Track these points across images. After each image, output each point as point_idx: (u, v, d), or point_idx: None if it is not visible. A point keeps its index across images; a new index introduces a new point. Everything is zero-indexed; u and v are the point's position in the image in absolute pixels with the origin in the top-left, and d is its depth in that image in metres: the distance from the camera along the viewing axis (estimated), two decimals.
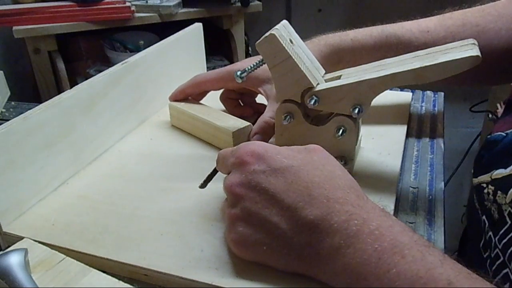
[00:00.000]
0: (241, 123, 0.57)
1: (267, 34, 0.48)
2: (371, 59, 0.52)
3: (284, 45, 0.47)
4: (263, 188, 0.37)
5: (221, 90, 0.65)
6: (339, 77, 0.50)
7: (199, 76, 0.63)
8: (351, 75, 0.49)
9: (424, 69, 0.45)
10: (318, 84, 0.49)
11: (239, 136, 0.55)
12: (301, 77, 0.48)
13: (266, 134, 0.54)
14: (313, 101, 0.48)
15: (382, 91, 0.47)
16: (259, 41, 0.49)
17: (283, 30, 0.49)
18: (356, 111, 0.48)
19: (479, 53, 0.43)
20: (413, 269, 0.31)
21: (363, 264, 0.33)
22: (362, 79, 0.47)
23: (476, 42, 0.46)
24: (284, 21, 0.51)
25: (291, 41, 0.49)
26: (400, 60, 0.49)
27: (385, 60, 0.50)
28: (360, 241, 0.33)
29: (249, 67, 0.53)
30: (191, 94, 0.64)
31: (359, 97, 0.48)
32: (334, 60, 0.58)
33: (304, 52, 0.51)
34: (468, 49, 0.45)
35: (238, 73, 0.53)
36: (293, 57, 0.48)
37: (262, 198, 0.37)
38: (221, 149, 0.57)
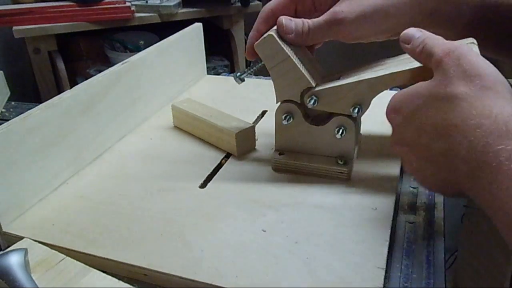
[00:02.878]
0: (244, 124, 0.57)
1: (265, 35, 0.48)
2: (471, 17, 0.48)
3: (282, 45, 0.48)
4: (406, 139, 0.40)
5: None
6: (338, 77, 0.50)
7: (266, 6, 0.53)
8: (350, 75, 0.49)
9: (424, 69, 0.45)
10: (317, 84, 0.49)
11: (242, 138, 0.55)
12: (300, 77, 0.49)
13: (267, 23, 0.51)
14: (312, 101, 0.48)
15: (382, 91, 0.47)
16: (258, 42, 0.49)
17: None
18: (356, 110, 0.48)
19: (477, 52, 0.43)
20: None
21: (488, 193, 0.33)
22: (361, 78, 0.47)
23: (475, 42, 0.46)
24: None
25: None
26: (400, 60, 0.49)
27: (385, 60, 0.51)
28: (482, 171, 0.34)
29: (247, 69, 0.53)
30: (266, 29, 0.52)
31: (359, 96, 0.48)
32: (426, 9, 0.48)
33: (303, 52, 0.51)
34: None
35: (238, 74, 0.53)
36: (292, 57, 0.48)
37: (411, 148, 0.40)
38: (223, 151, 0.57)
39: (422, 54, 0.41)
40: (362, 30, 0.48)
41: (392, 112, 0.42)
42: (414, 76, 0.45)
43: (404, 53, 0.49)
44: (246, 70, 0.54)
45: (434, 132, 0.37)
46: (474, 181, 0.35)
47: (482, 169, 0.33)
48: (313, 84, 0.49)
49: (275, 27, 0.49)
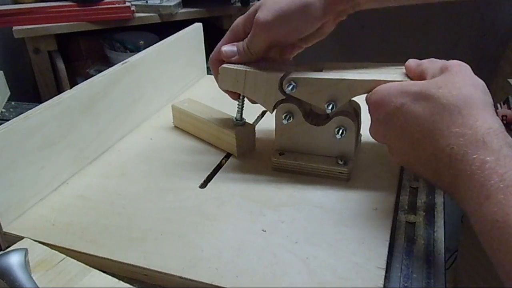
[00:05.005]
0: (244, 124, 0.57)
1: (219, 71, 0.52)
2: None
3: (236, 67, 0.51)
4: (388, 134, 0.42)
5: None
6: (321, 69, 0.51)
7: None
8: (333, 70, 0.50)
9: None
10: (288, 72, 0.50)
11: (242, 138, 0.55)
12: (268, 78, 0.50)
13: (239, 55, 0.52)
14: (291, 86, 0.49)
15: (359, 94, 0.48)
16: (219, 84, 0.53)
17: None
18: (330, 107, 0.49)
19: None
20: (492, 213, 0.32)
21: (463, 199, 0.35)
22: (343, 77, 0.47)
23: None
24: None
25: None
26: (382, 68, 0.50)
27: (368, 63, 0.51)
28: (459, 178, 0.35)
29: (238, 109, 0.55)
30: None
31: (336, 94, 0.48)
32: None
33: (263, 61, 0.53)
34: None
35: (236, 120, 0.56)
36: (250, 69, 0.51)
37: (393, 142, 0.43)
38: (223, 151, 0.57)
39: (428, 65, 0.43)
40: (285, 28, 0.48)
41: (374, 106, 0.43)
42: None
43: (394, 63, 0.50)
44: (238, 110, 0.56)
45: (419, 132, 0.39)
46: (453, 187, 0.37)
47: (459, 177, 0.35)
48: (281, 74, 0.50)
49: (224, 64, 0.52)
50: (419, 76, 0.44)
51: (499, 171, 0.33)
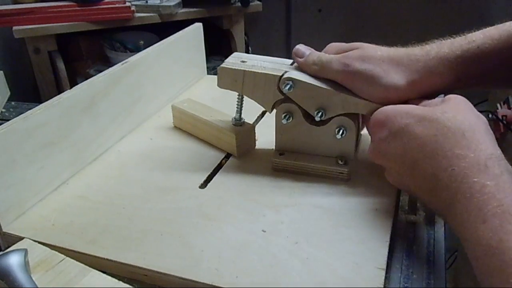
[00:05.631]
0: (244, 124, 0.56)
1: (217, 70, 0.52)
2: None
3: (235, 67, 0.51)
4: (388, 154, 0.42)
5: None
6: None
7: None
8: (330, 80, 0.50)
9: None
10: (286, 71, 0.50)
11: (242, 138, 0.55)
12: (267, 78, 0.50)
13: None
14: (288, 86, 0.49)
15: (351, 111, 0.49)
16: (217, 83, 0.53)
17: (231, 60, 0.53)
18: (319, 114, 0.49)
19: None
20: (488, 238, 0.32)
21: (459, 222, 0.35)
22: (339, 91, 0.48)
23: None
24: (234, 53, 0.55)
25: (242, 61, 0.53)
26: None
27: None
28: (457, 200, 0.35)
29: (237, 109, 0.56)
30: None
31: (328, 104, 0.49)
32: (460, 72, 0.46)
33: (262, 60, 0.53)
34: None
35: (235, 119, 0.56)
36: (248, 69, 0.51)
37: (392, 163, 0.42)
38: (223, 151, 0.57)
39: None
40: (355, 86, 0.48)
41: (377, 124, 0.43)
42: None
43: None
44: (237, 110, 0.56)
45: (420, 152, 0.39)
46: (450, 209, 0.36)
47: (457, 199, 0.35)
48: (280, 74, 0.50)
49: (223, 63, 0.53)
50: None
51: (498, 196, 0.33)
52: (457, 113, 0.39)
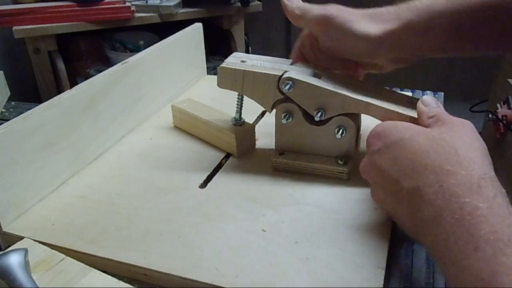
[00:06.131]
0: (244, 124, 0.57)
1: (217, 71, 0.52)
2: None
3: (235, 67, 0.51)
4: (377, 167, 0.40)
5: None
6: (319, 76, 0.51)
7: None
8: (330, 79, 0.51)
9: (396, 113, 0.47)
10: (286, 71, 0.50)
11: (242, 138, 0.55)
12: (267, 78, 0.50)
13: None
14: (288, 86, 0.49)
15: (351, 112, 0.49)
16: (217, 83, 0.53)
17: (231, 59, 0.53)
18: (319, 115, 0.49)
19: None
20: (479, 268, 0.29)
21: (444, 244, 0.32)
22: (339, 91, 0.48)
23: None
24: (234, 53, 0.55)
25: (242, 61, 0.53)
26: (378, 92, 0.50)
27: (364, 82, 0.52)
28: (443, 219, 0.33)
29: (237, 109, 0.56)
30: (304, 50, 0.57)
31: (328, 105, 0.49)
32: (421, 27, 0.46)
33: (261, 60, 0.53)
34: None
35: (235, 119, 0.56)
36: (248, 69, 0.51)
37: (378, 178, 0.40)
38: (223, 151, 0.57)
39: (433, 116, 0.42)
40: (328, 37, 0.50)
41: (374, 137, 0.42)
42: (384, 114, 0.47)
43: (388, 88, 0.51)
44: (237, 110, 0.56)
45: (408, 166, 0.37)
46: (432, 227, 0.34)
47: (443, 217, 0.33)
48: (279, 74, 0.50)
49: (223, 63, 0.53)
50: (430, 121, 0.42)
51: (491, 221, 0.30)
52: (455, 133, 0.38)
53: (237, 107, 0.56)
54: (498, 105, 1.19)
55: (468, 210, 0.32)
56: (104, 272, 0.39)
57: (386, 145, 0.40)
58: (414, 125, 0.41)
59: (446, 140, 0.37)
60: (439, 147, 0.36)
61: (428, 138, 0.38)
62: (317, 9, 0.50)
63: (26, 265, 0.37)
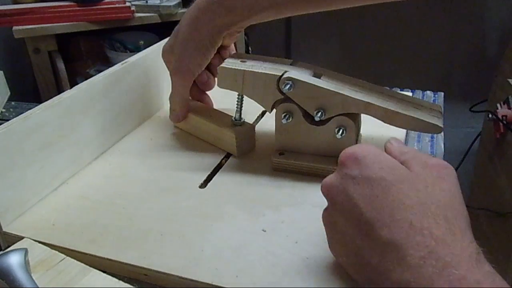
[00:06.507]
0: (244, 124, 0.57)
1: (218, 70, 0.53)
2: None
3: (235, 67, 0.51)
4: (348, 195, 0.35)
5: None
6: (319, 76, 0.51)
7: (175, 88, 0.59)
8: (331, 80, 0.51)
9: (396, 113, 0.48)
10: (286, 71, 0.50)
11: (242, 138, 0.55)
12: (267, 78, 0.51)
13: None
14: (288, 86, 0.49)
15: (351, 112, 0.49)
16: (217, 83, 0.54)
17: (231, 60, 0.54)
18: (319, 115, 0.49)
19: (442, 125, 0.48)
20: None
21: None
22: (339, 91, 0.48)
23: (442, 110, 0.50)
24: (234, 53, 0.57)
25: (242, 61, 0.53)
26: (379, 92, 0.51)
27: (365, 82, 0.52)
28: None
29: (237, 108, 0.56)
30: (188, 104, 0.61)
31: (328, 105, 0.49)
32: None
33: (262, 60, 0.54)
34: (435, 117, 0.49)
35: (235, 119, 0.56)
36: (249, 69, 0.51)
37: (345, 205, 0.35)
38: (223, 151, 0.57)
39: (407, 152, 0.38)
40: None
41: (350, 159, 0.36)
42: (384, 114, 0.48)
43: (389, 89, 0.51)
44: (237, 110, 0.56)
45: (389, 216, 0.32)
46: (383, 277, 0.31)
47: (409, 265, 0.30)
48: (279, 74, 0.50)
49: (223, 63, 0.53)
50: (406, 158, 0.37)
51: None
52: (438, 187, 0.34)
53: (237, 107, 0.56)
54: (498, 105, 1.19)
55: (466, 283, 0.28)
56: (104, 272, 0.39)
57: (365, 177, 0.35)
58: (397, 163, 0.36)
59: (434, 200, 0.32)
60: (425, 208, 0.32)
61: (412, 189, 0.33)
62: None
63: (26, 265, 0.37)
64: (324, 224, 0.38)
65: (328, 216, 0.38)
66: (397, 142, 0.40)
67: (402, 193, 0.33)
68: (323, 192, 0.38)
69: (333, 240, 0.37)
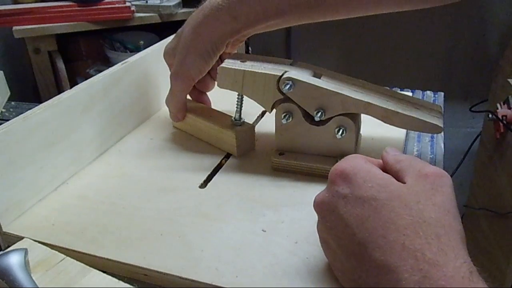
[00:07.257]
0: (244, 124, 0.57)
1: (218, 70, 0.53)
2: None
3: (235, 67, 0.52)
4: (339, 214, 0.34)
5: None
6: (319, 76, 0.51)
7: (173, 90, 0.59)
8: (331, 80, 0.51)
9: (396, 113, 0.48)
10: (286, 71, 0.50)
11: (242, 138, 0.55)
12: (266, 78, 0.51)
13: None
14: (288, 86, 0.49)
15: (351, 112, 0.49)
16: (217, 83, 0.54)
17: (231, 60, 0.54)
18: (319, 115, 0.49)
19: (442, 125, 0.48)
20: None
21: None
22: (339, 91, 0.48)
23: (442, 111, 0.50)
24: (234, 53, 0.57)
25: (242, 61, 0.53)
26: (378, 92, 0.51)
27: (365, 82, 0.53)
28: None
29: (237, 108, 0.56)
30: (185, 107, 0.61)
31: (328, 105, 0.49)
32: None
33: (261, 60, 0.54)
34: (435, 117, 0.49)
35: (235, 119, 0.56)
36: (248, 69, 0.51)
37: (336, 225, 0.35)
38: (223, 151, 0.57)
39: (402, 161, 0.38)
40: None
41: (341, 176, 0.36)
42: (384, 114, 0.48)
43: (389, 88, 0.51)
44: (236, 110, 0.56)
45: (382, 237, 0.32)
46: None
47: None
48: (279, 74, 0.50)
49: (223, 63, 0.54)
50: (395, 175, 0.36)
51: None
52: (431, 201, 0.33)
53: (237, 107, 0.56)
54: (498, 105, 1.19)
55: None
56: (104, 272, 0.39)
57: (356, 196, 0.34)
58: (387, 179, 0.35)
59: (426, 217, 0.32)
60: (417, 228, 0.31)
61: (404, 207, 0.32)
62: None
63: (26, 265, 0.37)
64: (319, 237, 0.38)
65: (320, 232, 0.38)
66: (393, 151, 0.39)
67: (393, 211, 0.32)
68: (315, 209, 0.37)
69: (328, 257, 0.38)
